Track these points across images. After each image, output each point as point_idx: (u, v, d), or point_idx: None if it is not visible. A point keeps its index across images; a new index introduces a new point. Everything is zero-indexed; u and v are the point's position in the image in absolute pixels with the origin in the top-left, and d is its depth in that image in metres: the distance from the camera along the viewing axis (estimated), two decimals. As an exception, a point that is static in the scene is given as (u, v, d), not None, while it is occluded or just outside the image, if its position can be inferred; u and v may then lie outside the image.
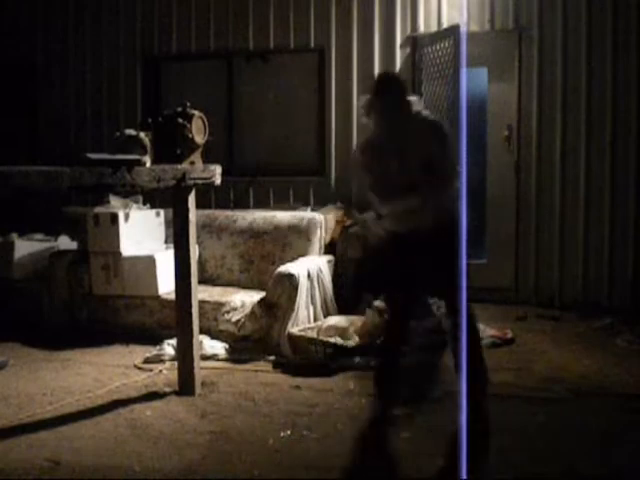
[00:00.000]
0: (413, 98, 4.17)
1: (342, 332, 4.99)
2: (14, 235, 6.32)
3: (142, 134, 4.02)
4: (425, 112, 4.13)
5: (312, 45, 7.14)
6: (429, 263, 3.82)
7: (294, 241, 5.75)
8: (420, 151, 3.89)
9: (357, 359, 4.82)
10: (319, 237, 5.77)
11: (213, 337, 5.21)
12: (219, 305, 5.33)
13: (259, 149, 7.49)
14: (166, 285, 5.44)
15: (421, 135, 3.94)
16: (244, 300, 5.33)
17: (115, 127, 6.00)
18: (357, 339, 4.98)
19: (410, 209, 3.86)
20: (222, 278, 5.93)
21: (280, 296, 5.09)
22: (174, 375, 4.49)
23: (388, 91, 3.96)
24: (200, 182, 4.17)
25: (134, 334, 5.48)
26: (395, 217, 3.96)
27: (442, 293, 4.12)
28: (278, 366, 4.87)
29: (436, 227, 3.80)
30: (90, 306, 5.74)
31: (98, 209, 5.77)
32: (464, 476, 3.16)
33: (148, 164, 3.88)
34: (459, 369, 3.84)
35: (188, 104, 4.28)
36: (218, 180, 4.31)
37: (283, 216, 5.96)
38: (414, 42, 6.79)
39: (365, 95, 4.11)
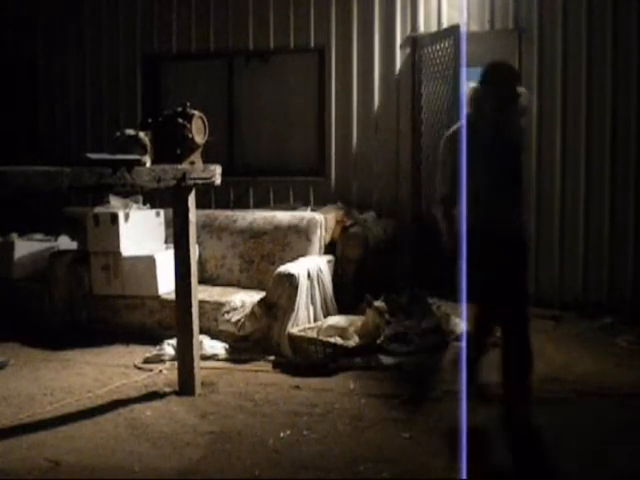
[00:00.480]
0: (522, 90, 3.96)
1: (342, 332, 4.99)
2: (14, 235, 6.32)
3: (142, 134, 4.02)
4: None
5: (312, 45, 7.14)
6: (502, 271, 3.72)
7: (294, 241, 5.75)
8: (519, 154, 3.80)
9: (357, 359, 4.83)
10: (319, 237, 5.77)
11: (213, 337, 5.21)
12: (219, 305, 5.33)
13: (259, 149, 7.50)
14: (166, 285, 5.44)
15: (522, 137, 3.85)
16: (244, 300, 5.33)
17: (115, 127, 6.00)
18: (357, 339, 4.98)
19: (504, 211, 3.71)
20: (222, 278, 5.93)
21: (280, 296, 5.09)
22: (174, 375, 4.49)
23: (500, 82, 3.72)
24: (200, 182, 4.17)
25: (134, 334, 5.48)
26: (485, 216, 3.72)
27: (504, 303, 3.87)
28: (278, 366, 4.87)
29: (514, 235, 3.74)
30: (90, 306, 5.74)
31: (98, 209, 5.77)
32: (464, 476, 3.17)
33: (148, 164, 3.88)
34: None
35: (188, 104, 4.28)
36: (218, 180, 4.31)
37: (283, 216, 5.96)
38: (414, 42, 6.79)
39: (474, 84, 3.86)
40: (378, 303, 5.23)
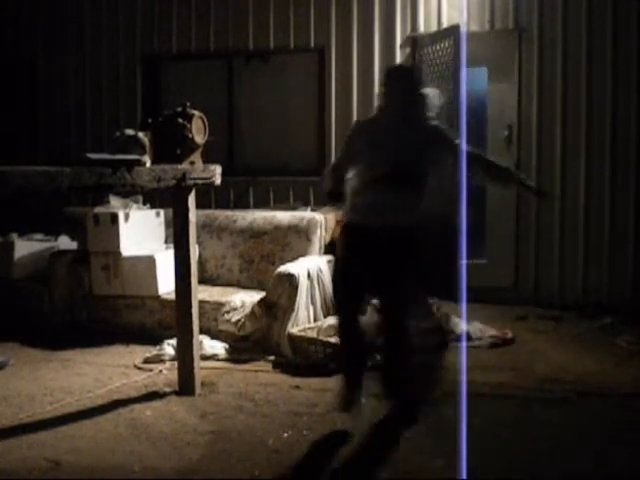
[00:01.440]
0: (431, 91, 4.03)
1: (342, 332, 4.99)
2: (14, 235, 6.32)
3: (141, 134, 4.02)
4: (434, 120, 3.97)
5: (312, 45, 7.15)
6: (375, 264, 3.79)
7: (294, 241, 5.75)
8: (413, 153, 3.78)
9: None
10: (319, 237, 5.76)
11: (213, 337, 5.21)
12: (219, 305, 5.33)
13: (259, 149, 7.50)
14: (166, 285, 5.43)
15: (421, 138, 3.83)
16: (244, 300, 5.32)
17: (115, 127, 6.00)
18: (357, 339, 4.98)
19: (378, 204, 3.75)
20: (222, 278, 5.92)
21: (280, 296, 5.09)
22: (174, 375, 4.49)
23: (397, 81, 3.86)
24: (200, 182, 4.17)
25: (134, 334, 5.47)
26: (359, 208, 3.83)
27: (381, 296, 3.99)
28: (278, 366, 4.86)
29: (394, 231, 3.75)
30: (90, 306, 5.73)
31: (98, 209, 5.77)
32: (464, 476, 3.17)
33: (148, 164, 3.88)
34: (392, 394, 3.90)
35: (188, 104, 4.28)
36: (218, 180, 4.31)
37: (283, 216, 5.96)
38: (414, 42, 6.80)
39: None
40: (376, 302, 5.23)
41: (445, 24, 6.64)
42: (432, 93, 4.00)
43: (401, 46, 6.86)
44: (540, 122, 6.51)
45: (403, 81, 3.88)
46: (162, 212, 5.96)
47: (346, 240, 3.94)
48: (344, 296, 3.98)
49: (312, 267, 5.35)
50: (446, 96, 5.57)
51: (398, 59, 6.86)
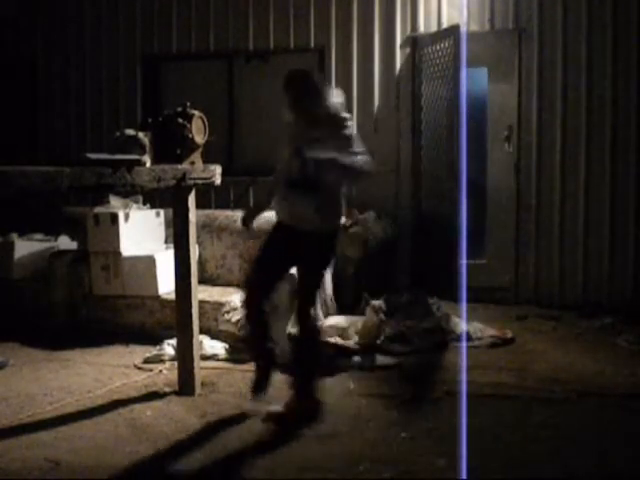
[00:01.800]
0: (332, 90, 4.13)
1: (342, 332, 4.99)
2: (14, 235, 6.31)
3: (141, 134, 4.02)
4: (335, 108, 4.01)
5: (312, 45, 7.14)
6: (297, 258, 4.01)
7: (294, 241, 5.74)
8: (320, 149, 3.84)
9: (357, 359, 4.83)
10: (319, 237, 5.75)
11: (213, 337, 5.21)
12: (219, 305, 5.33)
13: (259, 149, 7.49)
14: (166, 285, 5.44)
15: (325, 133, 3.89)
16: (244, 300, 5.32)
17: (115, 127, 6.00)
18: (357, 339, 4.98)
19: (294, 211, 3.90)
20: (222, 278, 5.92)
21: (280, 296, 5.08)
22: (174, 375, 4.49)
23: (292, 86, 4.07)
24: (200, 182, 4.17)
25: (134, 334, 5.47)
26: (281, 212, 4.01)
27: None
28: (278, 366, 4.85)
29: (310, 235, 3.88)
30: (90, 306, 5.73)
31: (98, 209, 5.77)
32: (464, 476, 3.17)
33: (148, 164, 3.88)
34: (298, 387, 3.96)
35: (188, 104, 4.29)
36: (218, 180, 4.31)
37: (283, 216, 5.95)
38: (414, 42, 6.80)
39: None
40: (375, 302, 5.23)
41: (445, 24, 6.64)
42: (333, 92, 4.08)
43: (401, 46, 6.86)
44: (540, 122, 6.50)
45: (298, 85, 4.08)
46: (162, 212, 5.96)
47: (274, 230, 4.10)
48: (262, 266, 4.12)
49: (312, 267, 5.33)
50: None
51: (398, 59, 6.86)
